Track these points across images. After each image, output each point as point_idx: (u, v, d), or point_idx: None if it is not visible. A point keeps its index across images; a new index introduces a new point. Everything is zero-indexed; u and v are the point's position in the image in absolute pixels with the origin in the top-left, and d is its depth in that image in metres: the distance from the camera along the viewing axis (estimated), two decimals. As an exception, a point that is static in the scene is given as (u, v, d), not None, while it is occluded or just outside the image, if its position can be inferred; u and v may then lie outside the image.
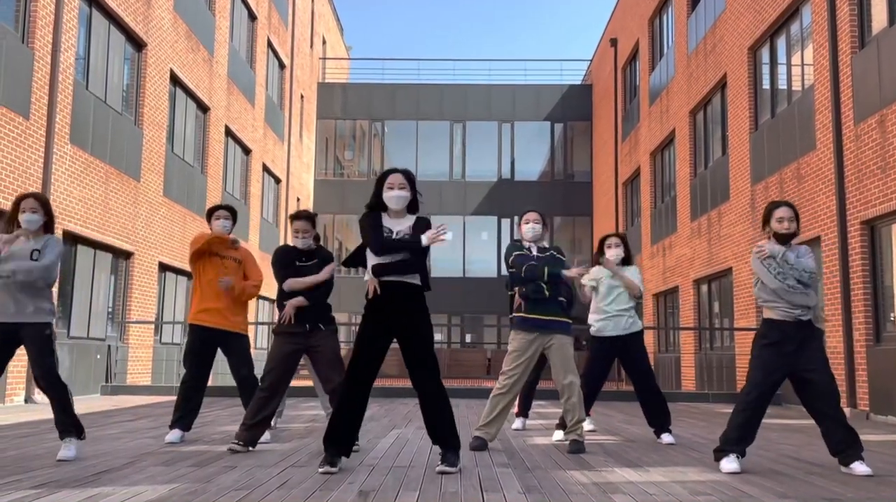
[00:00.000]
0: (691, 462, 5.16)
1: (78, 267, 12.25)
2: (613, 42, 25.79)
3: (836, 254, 10.80)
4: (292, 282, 5.49)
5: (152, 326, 14.76)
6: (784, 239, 4.91)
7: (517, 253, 5.64)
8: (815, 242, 11.50)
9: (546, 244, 5.80)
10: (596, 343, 6.54)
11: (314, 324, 5.52)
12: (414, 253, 4.53)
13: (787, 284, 4.77)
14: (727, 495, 3.94)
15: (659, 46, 21.35)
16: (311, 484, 4.06)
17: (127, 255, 13.85)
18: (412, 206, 4.69)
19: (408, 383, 13.48)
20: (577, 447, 5.53)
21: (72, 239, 11.96)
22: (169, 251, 15.46)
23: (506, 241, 28.46)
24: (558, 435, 6.30)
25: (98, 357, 12.86)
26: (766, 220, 5.00)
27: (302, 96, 26.96)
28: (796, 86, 12.87)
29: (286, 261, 5.57)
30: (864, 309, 10.22)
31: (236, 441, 5.31)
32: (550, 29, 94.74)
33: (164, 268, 15.56)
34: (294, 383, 9.87)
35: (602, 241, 6.72)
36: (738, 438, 4.75)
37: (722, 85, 16.06)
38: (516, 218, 6.06)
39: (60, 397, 4.83)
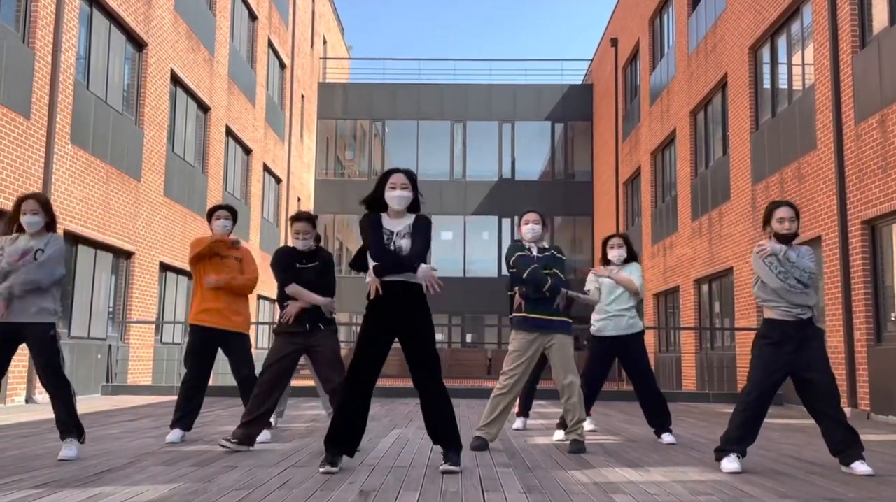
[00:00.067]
0: (692, 461, 5.16)
1: (79, 267, 12.25)
2: (614, 42, 25.79)
3: (837, 253, 10.80)
4: (295, 290, 5.48)
5: (153, 326, 14.77)
6: (785, 239, 4.90)
7: (519, 253, 5.64)
8: (815, 242, 11.49)
9: (546, 244, 5.80)
10: (596, 342, 6.54)
11: (314, 324, 5.53)
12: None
13: (789, 284, 4.77)
14: (728, 495, 3.93)
15: (659, 46, 21.34)
16: (312, 484, 4.06)
17: (128, 255, 13.86)
18: (413, 206, 4.69)
19: (408, 383, 13.48)
20: (577, 447, 5.53)
21: (73, 239, 11.97)
22: (170, 251, 15.46)
23: (506, 241, 28.46)
24: (559, 434, 6.30)
25: (99, 357, 12.86)
26: (767, 220, 4.99)
27: (302, 96, 26.97)
28: (797, 85, 12.87)
29: (286, 263, 5.57)
30: (864, 308, 10.21)
31: (230, 438, 5.31)
32: (551, 29, 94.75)
33: (164, 267, 15.57)
34: (295, 383, 9.89)
35: (605, 242, 6.71)
36: (738, 438, 4.75)
37: (723, 84, 16.06)
38: (516, 218, 6.04)
39: (65, 397, 4.83)
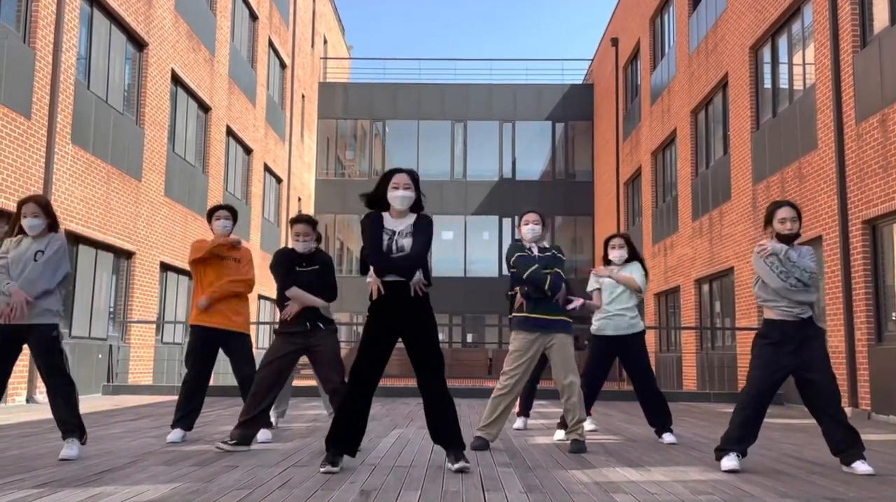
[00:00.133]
0: (693, 461, 5.16)
1: (79, 267, 12.26)
2: (614, 42, 25.78)
3: (838, 253, 10.79)
4: (295, 292, 5.47)
5: (154, 326, 14.77)
6: (787, 239, 4.89)
7: (519, 253, 5.64)
8: (816, 242, 11.49)
9: (546, 244, 5.80)
10: (596, 342, 6.54)
11: (314, 324, 5.52)
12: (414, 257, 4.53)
13: (790, 283, 4.76)
14: (729, 494, 3.93)
15: (660, 46, 21.34)
16: (313, 484, 4.06)
17: (128, 255, 13.86)
18: (416, 206, 4.69)
19: (409, 383, 13.49)
20: (578, 447, 5.53)
21: (73, 238, 11.97)
22: (170, 251, 15.47)
23: (507, 241, 28.45)
24: (559, 434, 6.30)
25: (100, 356, 12.87)
26: (769, 220, 4.98)
27: (303, 96, 26.97)
28: (798, 85, 12.87)
29: (286, 265, 5.55)
30: (865, 308, 10.21)
31: (227, 440, 5.31)
32: (551, 28, 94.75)
33: (165, 267, 15.57)
34: (295, 383, 9.88)
35: (606, 242, 6.71)
36: (738, 437, 4.75)
37: (723, 84, 16.05)
38: (517, 218, 6.02)
39: (69, 396, 4.84)
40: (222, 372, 10.91)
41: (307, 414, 8.66)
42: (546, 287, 5.49)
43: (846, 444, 4.68)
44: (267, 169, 22.85)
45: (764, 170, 13.61)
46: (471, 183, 29.17)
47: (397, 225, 4.60)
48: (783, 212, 4.90)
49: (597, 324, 6.54)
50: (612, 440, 6.45)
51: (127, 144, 13.67)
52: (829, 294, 11.08)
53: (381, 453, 5.38)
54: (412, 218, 4.64)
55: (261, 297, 21.50)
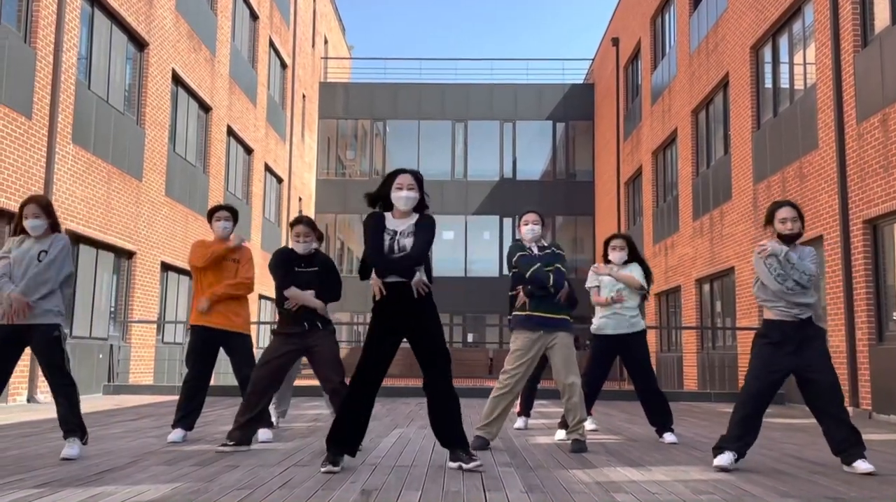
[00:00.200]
0: (694, 461, 5.16)
1: (80, 266, 12.26)
2: (615, 41, 25.77)
3: (839, 253, 10.79)
4: (293, 293, 5.45)
5: (154, 326, 14.77)
6: (788, 239, 4.88)
7: (520, 254, 5.64)
8: (817, 241, 11.48)
9: (545, 243, 5.81)
10: (596, 341, 6.53)
11: (312, 324, 5.49)
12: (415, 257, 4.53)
13: (787, 286, 4.75)
14: (730, 494, 3.93)
15: (661, 45, 21.33)
16: (314, 484, 4.06)
17: (129, 255, 13.86)
18: (419, 206, 4.70)
19: (410, 382, 13.49)
20: (579, 446, 5.52)
21: (74, 238, 11.97)
22: (171, 251, 15.47)
23: (507, 241, 28.46)
24: (560, 434, 6.29)
25: (100, 356, 12.87)
26: (769, 221, 4.97)
27: (304, 96, 26.97)
28: (798, 85, 12.86)
29: (285, 266, 5.53)
30: (866, 308, 10.20)
31: (226, 441, 5.31)
32: (552, 28, 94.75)
33: (166, 267, 15.58)
34: (297, 383, 9.88)
35: (607, 243, 6.69)
36: (737, 436, 4.75)
37: (724, 84, 16.05)
38: (517, 218, 6.02)
39: (70, 396, 4.85)
40: (223, 372, 10.91)
41: (308, 414, 8.66)
42: (549, 284, 5.49)
43: (847, 444, 4.68)
44: (268, 169, 22.86)
45: (765, 169, 13.60)
46: (471, 183, 29.17)
47: (400, 225, 4.60)
48: (783, 212, 4.88)
49: (597, 324, 6.53)
50: (612, 440, 6.45)
51: (128, 144, 13.67)
52: (830, 294, 11.08)
53: (381, 453, 5.38)
54: (415, 218, 4.65)
55: (261, 297, 21.50)
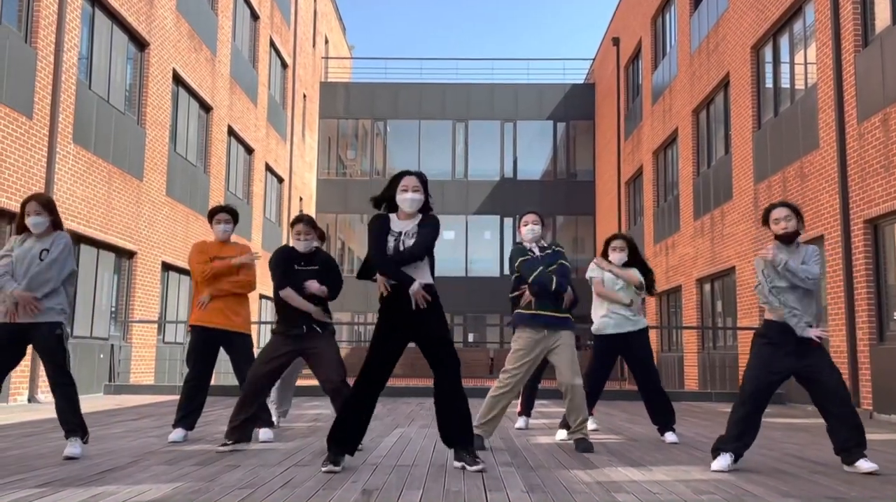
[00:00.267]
0: (695, 461, 5.16)
1: (81, 266, 12.26)
2: (616, 41, 25.77)
3: (840, 253, 10.79)
4: (288, 295, 5.43)
5: (155, 326, 14.78)
6: (785, 238, 4.88)
7: (522, 259, 5.63)
8: (818, 241, 11.48)
9: (545, 243, 5.81)
10: (597, 341, 6.52)
11: (311, 327, 5.47)
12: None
13: (781, 302, 4.75)
14: (731, 494, 3.93)
15: (661, 45, 21.33)
16: (315, 483, 4.06)
17: (130, 255, 13.87)
18: (423, 208, 4.72)
19: (411, 382, 13.49)
20: (585, 446, 5.51)
21: (75, 238, 11.97)
22: (172, 250, 15.47)
23: (508, 240, 28.47)
24: (561, 434, 6.29)
25: (101, 356, 12.87)
26: (766, 224, 5.01)
27: (304, 95, 26.97)
28: (799, 84, 12.86)
29: (283, 266, 5.51)
30: (867, 308, 10.20)
31: (225, 441, 5.31)
32: (553, 28, 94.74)
33: (166, 267, 15.58)
34: (297, 383, 9.87)
35: (607, 243, 6.68)
36: (736, 435, 4.75)
37: (725, 84, 16.04)
38: (517, 217, 6.02)
39: (69, 396, 4.86)
40: (223, 371, 10.90)
41: (309, 414, 8.66)
42: (552, 288, 5.49)
43: (850, 443, 4.68)
44: (268, 168, 22.86)
45: (765, 169, 13.60)
46: (472, 182, 29.17)
47: (404, 226, 4.63)
48: (776, 213, 4.92)
49: (598, 324, 6.51)
50: (613, 439, 6.45)
51: (128, 144, 13.67)
52: (831, 293, 11.07)
53: (382, 452, 5.38)
54: (418, 218, 4.68)
55: (262, 297, 21.50)
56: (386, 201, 4.72)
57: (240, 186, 20.36)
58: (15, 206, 9.96)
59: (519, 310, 5.66)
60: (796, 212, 4.91)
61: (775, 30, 13.59)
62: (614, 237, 6.67)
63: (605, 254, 6.68)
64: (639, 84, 23.52)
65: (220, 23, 18.22)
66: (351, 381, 5.48)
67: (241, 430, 5.34)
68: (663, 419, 6.36)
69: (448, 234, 28.64)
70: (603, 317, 6.47)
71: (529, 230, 5.72)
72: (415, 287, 4.48)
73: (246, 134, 20.37)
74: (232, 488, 3.88)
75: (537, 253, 5.66)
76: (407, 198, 4.62)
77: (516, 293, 5.73)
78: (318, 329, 5.47)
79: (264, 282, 18.73)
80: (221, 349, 6.08)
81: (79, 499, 3.56)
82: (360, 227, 29.68)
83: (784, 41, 13.49)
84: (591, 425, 6.95)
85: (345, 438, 4.50)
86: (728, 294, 15.57)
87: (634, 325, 6.41)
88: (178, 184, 15.93)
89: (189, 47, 16.35)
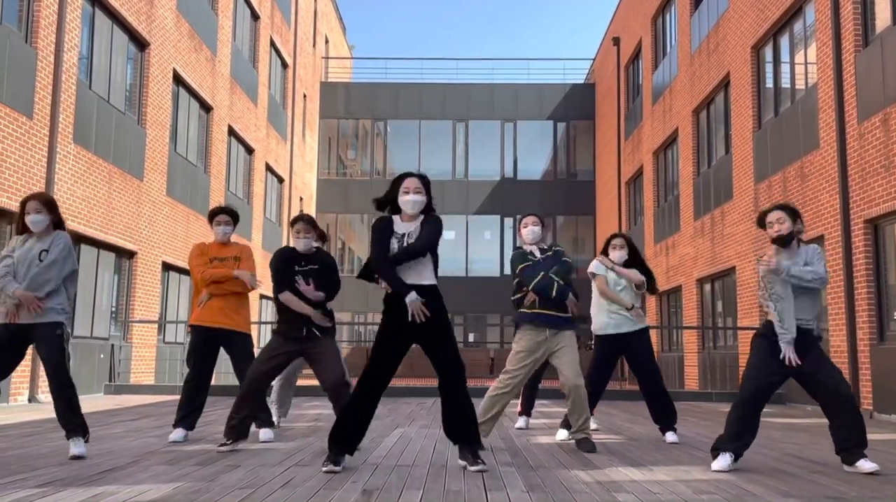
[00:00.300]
0: (695, 461, 5.16)
1: (81, 266, 12.26)
2: (616, 41, 25.77)
3: (840, 253, 10.79)
4: (287, 298, 5.42)
5: (155, 325, 14.78)
6: (784, 240, 4.89)
7: (522, 265, 5.63)
8: (818, 241, 11.48)
9: (545, 245, 5.81)
10: (599, 342, 6.52)
11: (310, 330, 5.45)
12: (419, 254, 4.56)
13: (777, 310, 4.76)
14: (731, 494, 3.93)
15: (662, 45, 21.33)
16: (315, 483, 4.06)
17: (130, 255, 13.87)
18: (426, 209, 4.72)
19: (411, 382, 13.49)
20: (589, 446, 5.51)
21: (75, 238, 11.98)
22: (172, 250, 15.48)
23: (508, 240, 28.47)
24: (562, 434, 6.29)
25: (101, 356, 12.88)
26: (761, 228, 5.03)
27: (305, 95, 26.98)
28: (800, 84, 12.86)
29: (282, 267, 5.49)
30: (867, 307, 10.20)
31: (224, 441, 5.31)
32: (553, 28, 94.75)
33: (167, 267, 15.58)
34: (298, 383, 9.88)
35: (607, 243, 6.68)
36: (735, 435, 4.75)
37: (725, 84, 16.04)
38: (518, 217, 6.03)
39: (69, 397, 4.86)
40: (224, 371, 10.92)
41: (309, 414, 8.66)
42: (553, 295, 5.50)
43: (850, 443, 4.68)
44: (268, 168, 22.86)
45: (766, 169, 13.60)
46: (472, 182, 29.17)
47: (407, 228, 4.65)
48: (770, 217, 4.95)
49: (598, 324, 6.51)
50: (614, 439, 6.45)
51: (129, 144, 13.68)
52: (832, 293, 11.07)
53: (383, 452, 5.38)
54: (422, 220, 4.68)
55: (262, 297, 21.51)
56: (389, 203, 4.73)
57: (240, 186, 20.36)
58: (15, 206, 9.96)
59: (521, 310, 5.66)
60: (793, 213, 4.92)
61: (775, 30, 13.59)
62: (614, 236, 6.69)
63: (605, 253, 6.68)
64: (639, 84, 23.52)
65: (220, 23, 18.23)
66: (352, 381, 5.49)
67: (239, 429, 5.34)
68: (665, 419, 6.35)
69: (448, 234, 28.63)
70: (604, 318, 6.47)
71: (530, 232, 5.73)
72: (411, 297, 4.46)
73: (246, 134, 20.38)
74: (232, 488, 3.89)
75: (538, 255, 5.67)
76: (409, 200, 4.62)
77: (518, 296, 5.73)
78: (317, 333, 5.45)
79: (264, 282, 18.78)
80: (222, 349, 6.08)
81: (79, 499, 3.56)
82: (361, 227, 29.69)
83: (784, 41, 13.49)
84: (591, 425, 6.94)
85: (346, 438, 4.51)
86: (728, 294, 15.58)
87: (635, 325, 6.41)
88: (178, 184, 15.93)
89: (189, 47, 16.36)
